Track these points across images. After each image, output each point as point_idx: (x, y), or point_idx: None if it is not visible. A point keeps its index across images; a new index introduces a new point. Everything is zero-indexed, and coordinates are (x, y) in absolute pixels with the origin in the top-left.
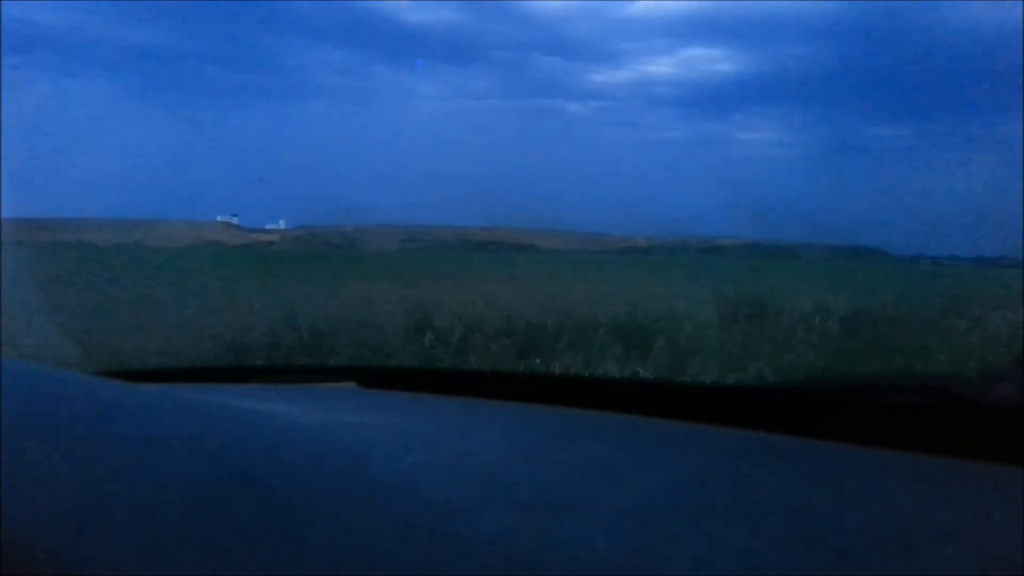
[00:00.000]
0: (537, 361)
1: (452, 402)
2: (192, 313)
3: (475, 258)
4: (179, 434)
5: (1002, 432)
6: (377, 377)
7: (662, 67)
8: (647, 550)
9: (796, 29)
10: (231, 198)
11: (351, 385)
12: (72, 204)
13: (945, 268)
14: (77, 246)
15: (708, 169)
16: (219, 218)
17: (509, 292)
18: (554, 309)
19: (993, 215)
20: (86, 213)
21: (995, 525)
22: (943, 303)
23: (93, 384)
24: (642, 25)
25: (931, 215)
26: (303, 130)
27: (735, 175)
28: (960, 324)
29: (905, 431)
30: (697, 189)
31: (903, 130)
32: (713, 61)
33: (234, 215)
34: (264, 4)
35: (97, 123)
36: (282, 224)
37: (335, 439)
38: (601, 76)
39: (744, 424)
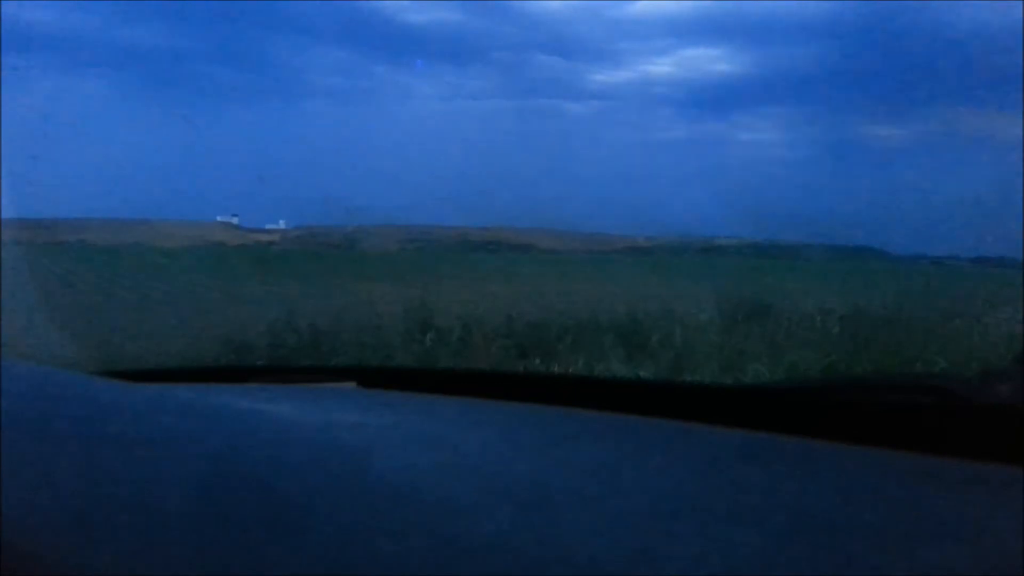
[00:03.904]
0: (537, 361)
1: (452, 402)
2: (192, 313)
3: (475, 258)
4: (179, 434)
5: (1002, 432)
6: (377, 377)
7: (662, 67)
8: (647, 550)
9: (797, 29)
10: (231, 198)
11: (351, 385)
12: (72, 204)
13: (945, 268)
14: (77, 246)
15: (708, 169)
16: (219, 218)
17: (509, 292)
18: (554, 309)
19: (993, 215)
20: (86, 213)
21: (995, 525)
22: (943, 303)
23: (93, 384)
24: (642, 25)
25: (931, 215)
26: (303, 130)
27: (735, 175)
28: (960, 324)
29: (905, 431)
30: (697, 189)
31: (903, 130)
32: (713, 61)
33: (234, 215)
34: (264, 4)
35: (97, 123)
36: (282, 224)
37: (335, 439)
38: (601, 76)
39: (744, 424)
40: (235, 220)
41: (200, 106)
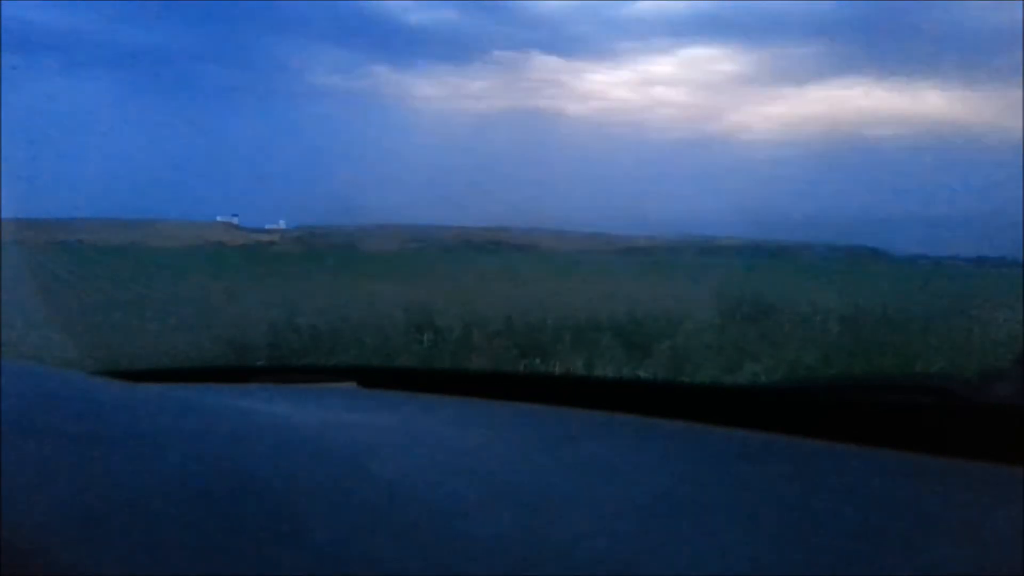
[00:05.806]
0: (537, 361)
1: (452, 402)
2: (192, 313)
3: (475, 258)
4: (179, 434)
5: (1002, 432)
6: (377, 377)
7: (663, 67)
8: (647, 550)
9: (797, 29)
10: (231, 198)
11: (351, 385)
12: (72, 204)
13: (945, 268)
14: (77, 246)
15: (708, 169)
16: (219, 218)
17: (509, 292)
18: (554, 309)
19: (993, 215)
20: (86, 213)
21: (995, 525)
22: (943, 303)
23: (93, 384)
24: (643, 24)
25: (931, 215)
26: (303, 130)
27: (735, 175)
28: (960, 324)
29: (905, 431)
30: (697, 189)
31: (902, 130)
32: (714, 60)
33: (234, 215)
34: (264, 4)
35: (97, 123)
36: (282, 224)
37: (335, 439)
38: (601, 76)
39: (744, 424)
40: (235, 220)
41: (200, 106)
